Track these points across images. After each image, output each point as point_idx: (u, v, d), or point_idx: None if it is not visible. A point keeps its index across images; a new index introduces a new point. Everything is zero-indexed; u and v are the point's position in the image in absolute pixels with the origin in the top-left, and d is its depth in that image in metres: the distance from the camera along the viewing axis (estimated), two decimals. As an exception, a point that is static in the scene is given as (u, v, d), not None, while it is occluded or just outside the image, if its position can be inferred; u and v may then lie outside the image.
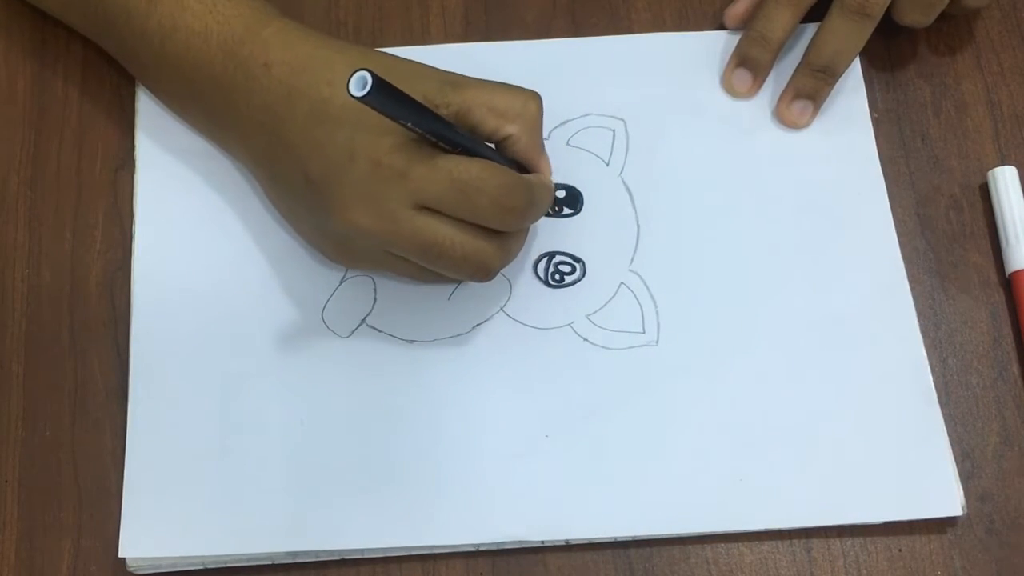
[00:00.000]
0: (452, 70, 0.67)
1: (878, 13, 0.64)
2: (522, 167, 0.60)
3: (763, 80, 0.67)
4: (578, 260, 0.64)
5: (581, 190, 0.65)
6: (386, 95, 0.49)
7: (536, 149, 0.59)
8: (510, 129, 0.58)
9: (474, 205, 0.55)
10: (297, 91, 0.57)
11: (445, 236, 0.55)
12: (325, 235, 0.60)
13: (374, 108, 0.50)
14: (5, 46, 0.68)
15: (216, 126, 0.63)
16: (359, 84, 0.48)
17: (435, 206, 0.55)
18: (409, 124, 0.52)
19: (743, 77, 0.67)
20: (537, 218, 0.60)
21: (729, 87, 0.67)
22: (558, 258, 0.64)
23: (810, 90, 0.66)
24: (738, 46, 0.67)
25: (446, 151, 0.55)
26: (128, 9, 0.61)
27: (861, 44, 0.65)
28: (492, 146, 0.59)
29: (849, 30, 0.64)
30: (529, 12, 0.70)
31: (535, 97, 0.59)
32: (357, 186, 0.55)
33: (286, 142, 0.57)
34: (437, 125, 0.54)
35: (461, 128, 0.56)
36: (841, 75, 0.66)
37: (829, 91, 0.66)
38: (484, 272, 0.58)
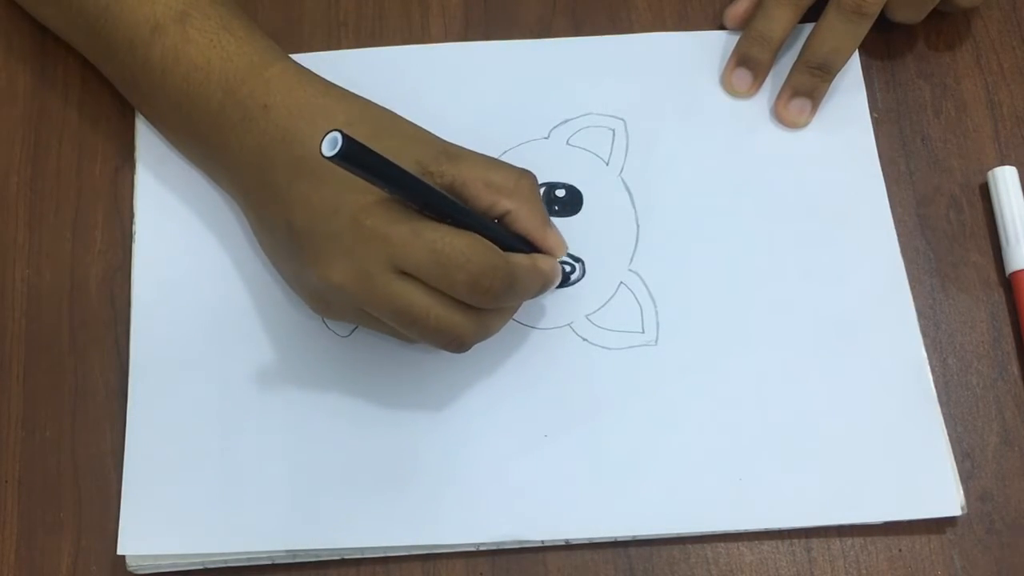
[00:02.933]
0: (452, 70, 0.68)
1: (874, 12, 0.64)
2: (531, 243, 0.58)
3: (763, 79, 0.67)
4: (578, 260, 0.64)
5: (581, 190, 0.65)
6: (359, 158, 0.49)
7: (538, 223, 0.58)
8: (507, 205, 0.57)
9: (452, 280, 0.53)
10: (291, 136, 0.56)
11: (420, 304, 0.54)
12: (303, 285, 0.58)
13: (347, 169, 0.49)
14: (5, 46, 0.68)
15: (209, 161, 0.63)
16: (331, 145, 0.47)
17: (413, 273, 0.53)
18: (386, 188, 0.51)
19: (743, 76, 0.67)
20: (520, 300, 0.59)
21: (729, 87, 0.67)
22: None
23: (808, 88, 0.66)
24: (738, 45, 0.67)
25: (435, 219, 0.54)
26: (131, 38, 0.60)
27: (857, 42, 0.65)
28: (487, 219, 0.57)
29: (845, 28, 0.64)
30: (529, 12, 0.70)
31: (528, 175, 0.58)
32: (337, 242, 0.54)
33: (275, 187, 0.57)
34: (418, 192, 0.53)
35: (450, 197, 0.55)
36: (837, 73, 0.66)
37: (826, 89, 0.66)
38: (457, 345, 0.56)
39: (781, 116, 0.67)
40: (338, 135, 0.47)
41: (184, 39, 0.59)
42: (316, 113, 0.57)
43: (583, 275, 0.64)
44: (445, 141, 0.58)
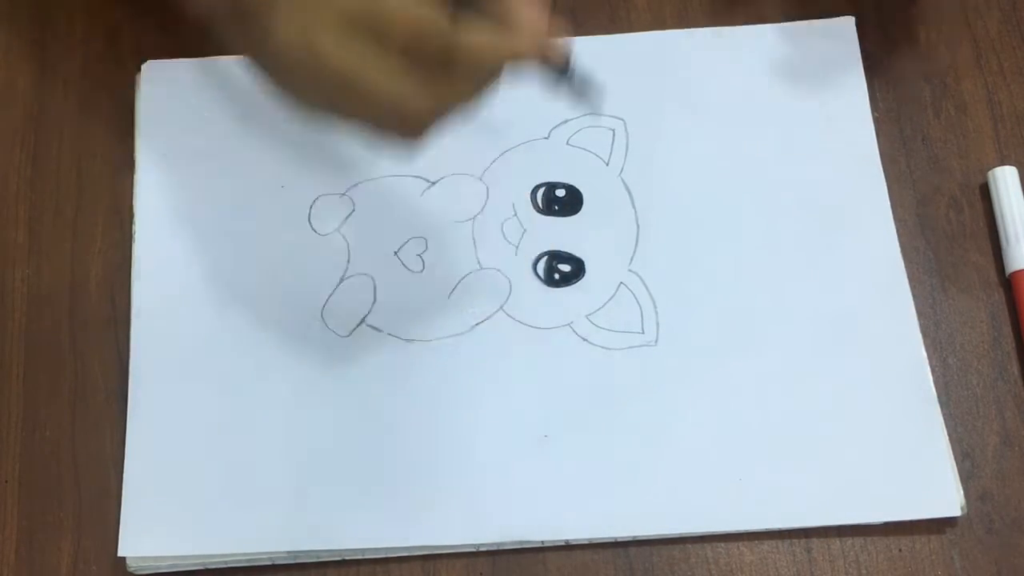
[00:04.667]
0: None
1: None
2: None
3: None
4: (578, 260, 0.64)
5: (581, 190, 0.65)
6: None
7: None
8: None
9: (388, 25, 0.49)
10: None
11: (360, 62, 0.49)
12: (264, 64, 0.53)
13: None
14: (5, 46, 0.68)
15: None
16: None
17: (351, 28, 0.49)
18: None
19: None
20: (474, 66, 0.51)
21: None
22: (558, 258, 0.64)
23: None
24: None
25: None
26: None
27: None
28: None
29: None
30: (529, 12, 0.70)
31: None
32: (285, 3, 0.50)
33: None
34: None
35: None
36: None
37: None
38: (414, 121, 0.51)
39: None
40: None
41: None
42: None
43: (583, 275, 0.63)
44: None
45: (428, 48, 0.49)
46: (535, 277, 0.64)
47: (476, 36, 0.50)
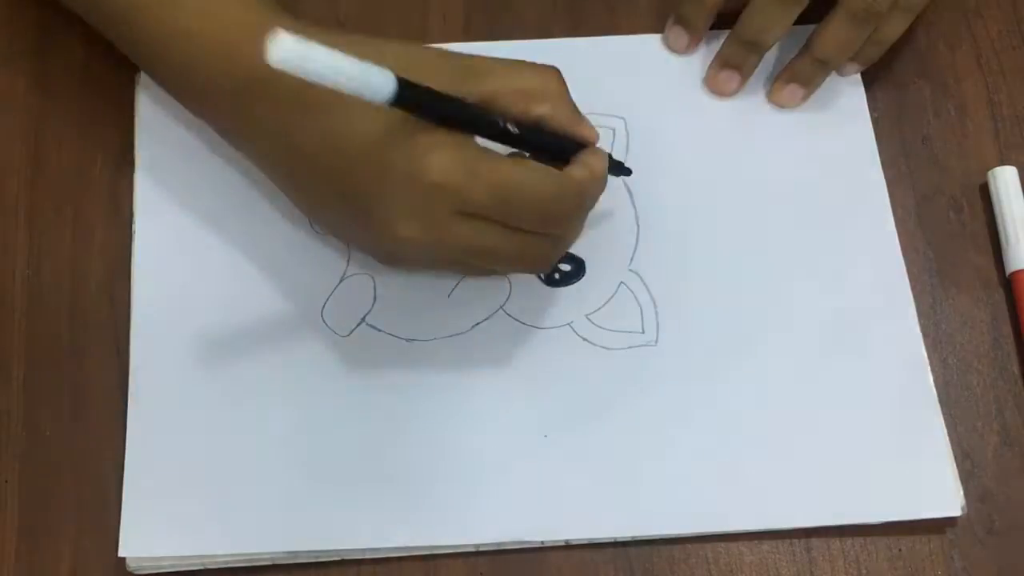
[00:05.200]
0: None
1: (883, 12, 0.64)
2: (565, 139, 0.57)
3: (747, 80, 0.68)
4: (578, 259, 0.64)
5: (581, 190, 0.65)
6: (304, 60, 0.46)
7: (572, 121, 0.57)
8: (540, 110, 0.55)
9: (520, 213, 0.53)
10: (308, 101, 0.54)
11: (493, 239, 0.53)
12: (370, 246, 0.58)
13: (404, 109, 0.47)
14: (5, 46, 0.68)
15: (231, 136, 0.60)
16: (278, 52, 0.44)
17: (479, 212, 0.53)
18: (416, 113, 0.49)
19: (729, 79, 0.67)
20: (587, 212, 0.58)
21: (715, 87, 0.68)
22: (558, 258, 0.64)
23: (807, 77, 0.67)
24: (725, 46, 0.68)
25: (481, 149, 0.53)
26: (125, 7, 0.59)
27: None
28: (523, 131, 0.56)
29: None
30: (529, 12, 0.70)
31: (555, 72, 0.57)
32: (399, 199, 0.52)
33: (305, 154, 0.55)
34: (462, 115, 0.51)
35: (461, 100, 0.53)
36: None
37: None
38: (543, 264, 0.56)
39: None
40: (286, 42, 0.44)
41: (175, 5, 0.57)
42: None
43: (583, 275, 0.64)
44: (461, 54, 0.56)
45: (565, 208, 0.54)
46: (535, 276, 0.64)
47: (582, 174, 0.56)
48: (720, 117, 0.67)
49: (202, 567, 0.58)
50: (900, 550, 0.59)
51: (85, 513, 0.59)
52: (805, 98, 0.67)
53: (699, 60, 0.69)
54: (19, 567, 0.58)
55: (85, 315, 0.63)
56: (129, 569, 0.58)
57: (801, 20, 0.66)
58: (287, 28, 0.55)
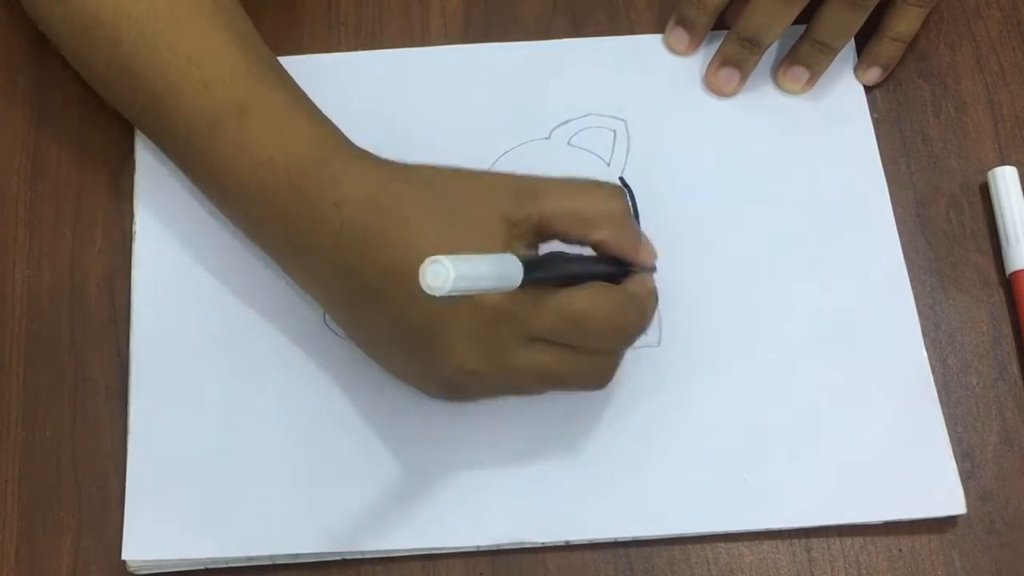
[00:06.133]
0: (453, 72, 0.68)
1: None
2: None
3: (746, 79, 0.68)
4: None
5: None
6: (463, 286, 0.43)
7: (631, 245, 0.56)
8: (599, 235, 0.55)
9: (586, 336, 0.53)
10: (370, 235, 0.53)
11: (560, 362, 0.54)
12: (430, 380, 0.57)
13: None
14: (5, 46, 0.68)
15: (285, 260, 0.59)
16: (435, 280, 0.42)
17: (547, 337, 0.53)
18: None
19: (728, 76, 0.67)
20: (649, 325, 0.57)
21: (714, 87, 0.68)
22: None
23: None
24: (724, 44, 0.68)
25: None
26: (189, 131, 0.58)
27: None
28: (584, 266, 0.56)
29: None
30: (529, 12, 0.70)
31: (617, 193, 0.56)
32: (462, 331, 0.52)
33: (366, 286, 0.54)
34: (542, 276, 0.51)
35: (562, 260, 0.53)
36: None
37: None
38: (603, 380, 0.56)
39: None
40: (444, 268, 0.41)
41: (244, 133, 0.56)
42: (391, 204, 0.53)
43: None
44: (519, 177, 0.56)
45: (629, 322, 0.54)
46: (536, 277, 0.64)
47: (641, 288, 0.56)
48: (720, 117, 0.67)
49: (203, 567, 0.58)
50: (900, 550, 0.59)
51: (85, 513, 0.59)
52: (810, 83, 0.68)
53: (699, 60, 0.69)
54: (19, 567, 0.58)
55: (85, 315, 0.63)
56: (129, 569, 0.58)
57: (801, 20, 0.66)
58: (350, 158, 0.56)
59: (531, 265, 0.48)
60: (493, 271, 0.44)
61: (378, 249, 0.53)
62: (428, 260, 0.42)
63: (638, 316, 0.55)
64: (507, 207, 0.53)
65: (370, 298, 0.54)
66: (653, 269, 0.58)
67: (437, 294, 0.42)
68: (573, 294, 0.53)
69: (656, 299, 0.58)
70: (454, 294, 0.42)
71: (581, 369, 0.55)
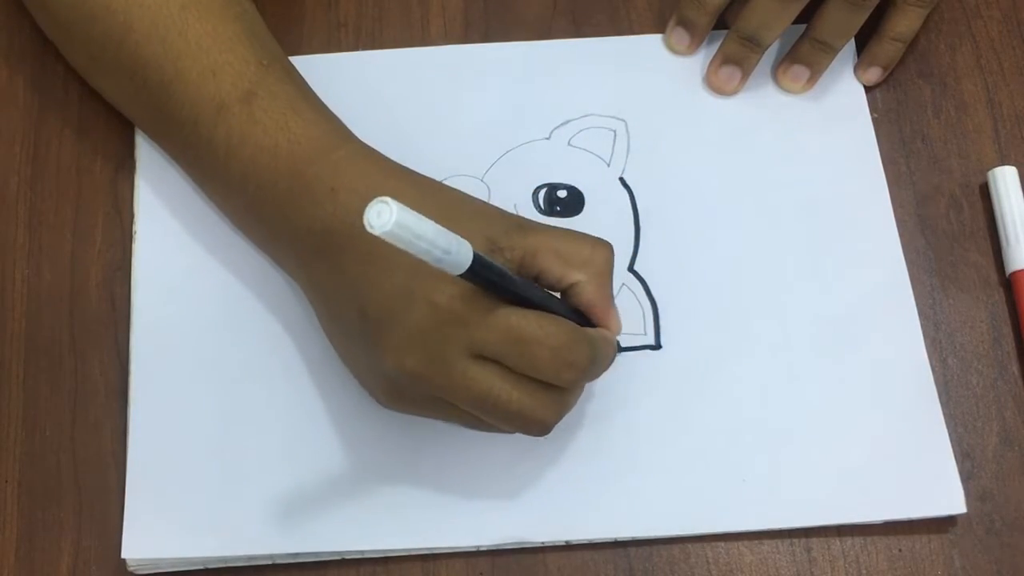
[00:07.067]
0: (453, 72, 0.68)
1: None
2: (586, 319, 0.56)
3: (747, 77, 0.68)
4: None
5: (582, 191, 0.65)
6: (410, 229, 0.43)
7: (603, 300, 0.55)
8: (576, 276, 0.54)
9: (533, 359, 0.51)
10: (360, 221, 0.54)
11: (500, 388, 0.52)
12: (376, 376, 0.56)
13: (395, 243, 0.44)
14: (5, 46, 0.68)
15: (273, 243, 0.60)
16: (377, 219, 0.42)
17: (492, 356, 0.51)
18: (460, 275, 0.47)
19: (729, 74, 0.67)
20: (598, 375, 0.56)
21: (715, 85, 0.68)
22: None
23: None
24: (725, 43, 0.68)
25: (507, 300, 0.51)
26: (195, 116, 0.58)
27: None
28: (557, 295, 0.55)
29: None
30: (529, 12, 0.70)
31: (606, 246, 0.56)
32: (412, 329, 0.51)
33: (344, 272, 0.55)
34: (492, 276, 0.49)
35: (520, 279, 0.52)
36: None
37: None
38: (540, 428, 0.54)
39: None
40: (388, 207, 0.42)
41: (250, 120, 0.57)
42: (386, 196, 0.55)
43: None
44: (516, 215, 0.56)
45: (578, 357, 0.52)
46: (536, 277, 0.64)
47: (599, 333, 0.55)
48: (720, 118, 0.67)
49: (202, 566, 0.58)
50: (900, 550, 0.59)
51: (85, 513, 0.59)
52: (810, 82, 0.68)
53: (699, 60, 0.69)
54: (19, 567, 0.58)
55: (85, 315, 0.63)
56: (129, 568, 0.58)
57: (801, 19, 0.66)
58: (354, 151, 0.56)
59: (486, 264, 0.47)
60: (439, 239, 0.44)
61: (361, 237, 0.53)
62: (376, 199, 0.42)
63: (590, 355, 0.53)
64: (496, 232, 0.53)
65: (342, 280, 0.55)
66: (614, 335, 0.57)
67: (375, 232, 0.41)
68: (527, 314, 0.51)
69: (615, 351, 0.56)
70: (393, 241, 0.42)
71: (521, 400, 0.52)
